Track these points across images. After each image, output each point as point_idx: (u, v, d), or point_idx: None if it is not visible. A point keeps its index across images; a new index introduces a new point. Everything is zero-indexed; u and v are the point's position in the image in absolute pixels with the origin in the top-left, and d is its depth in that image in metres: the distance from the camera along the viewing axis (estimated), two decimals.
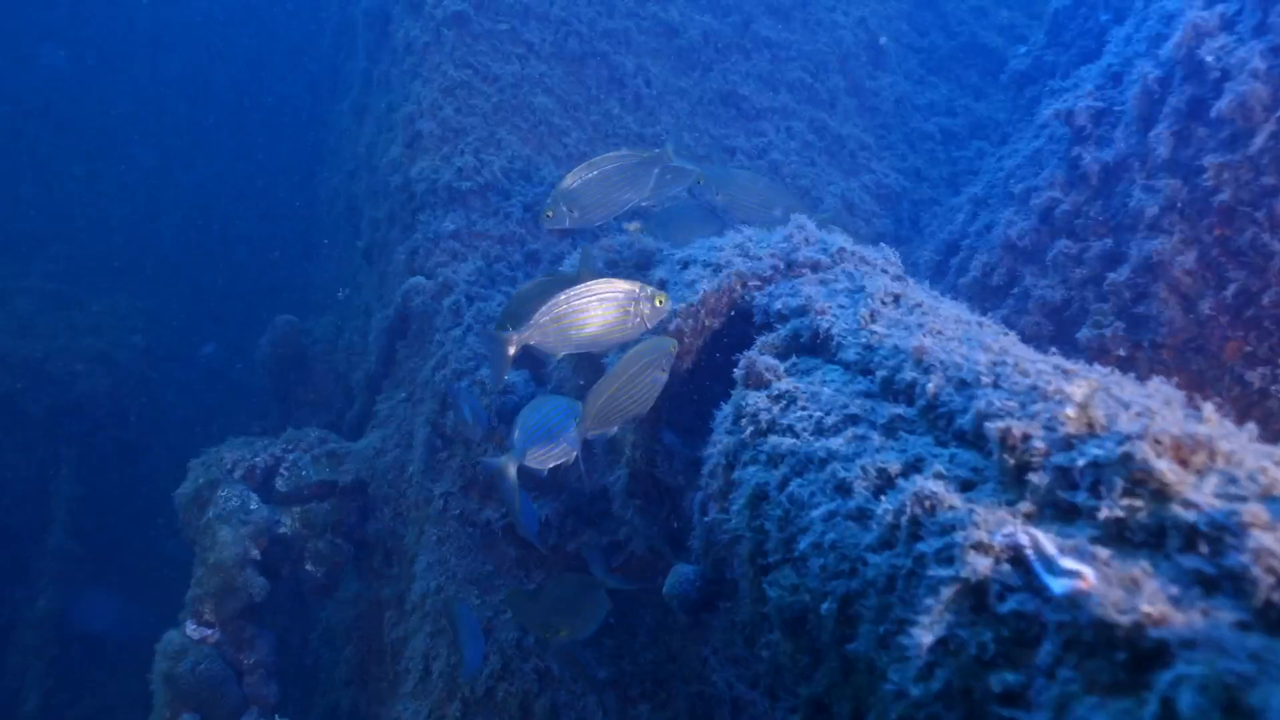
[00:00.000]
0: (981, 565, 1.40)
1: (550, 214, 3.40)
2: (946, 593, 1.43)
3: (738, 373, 2.44)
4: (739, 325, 2.84)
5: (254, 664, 4.53)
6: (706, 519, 2.41)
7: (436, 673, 3.85)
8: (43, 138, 16.03)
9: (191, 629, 4.47)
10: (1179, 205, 3.48)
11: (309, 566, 4.76)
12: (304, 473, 4.84)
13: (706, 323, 2.79)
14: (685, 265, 3.00)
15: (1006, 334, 2.23)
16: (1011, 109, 6.01)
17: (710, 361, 2.83)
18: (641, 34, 6.05)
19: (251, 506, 4.68)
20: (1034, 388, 1.67)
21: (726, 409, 2.49)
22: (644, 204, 3.57)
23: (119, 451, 10.70)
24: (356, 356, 6.89)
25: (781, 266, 2.79)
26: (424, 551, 4.22)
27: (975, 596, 1.40)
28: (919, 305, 2.43)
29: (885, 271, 2.71)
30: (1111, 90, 4.06)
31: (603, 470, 4.09)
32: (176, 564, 10.30)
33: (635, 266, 3.79)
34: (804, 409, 2.20)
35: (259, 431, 6.05)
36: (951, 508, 1.54)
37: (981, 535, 1.43)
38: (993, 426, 1.59)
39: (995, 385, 1.77)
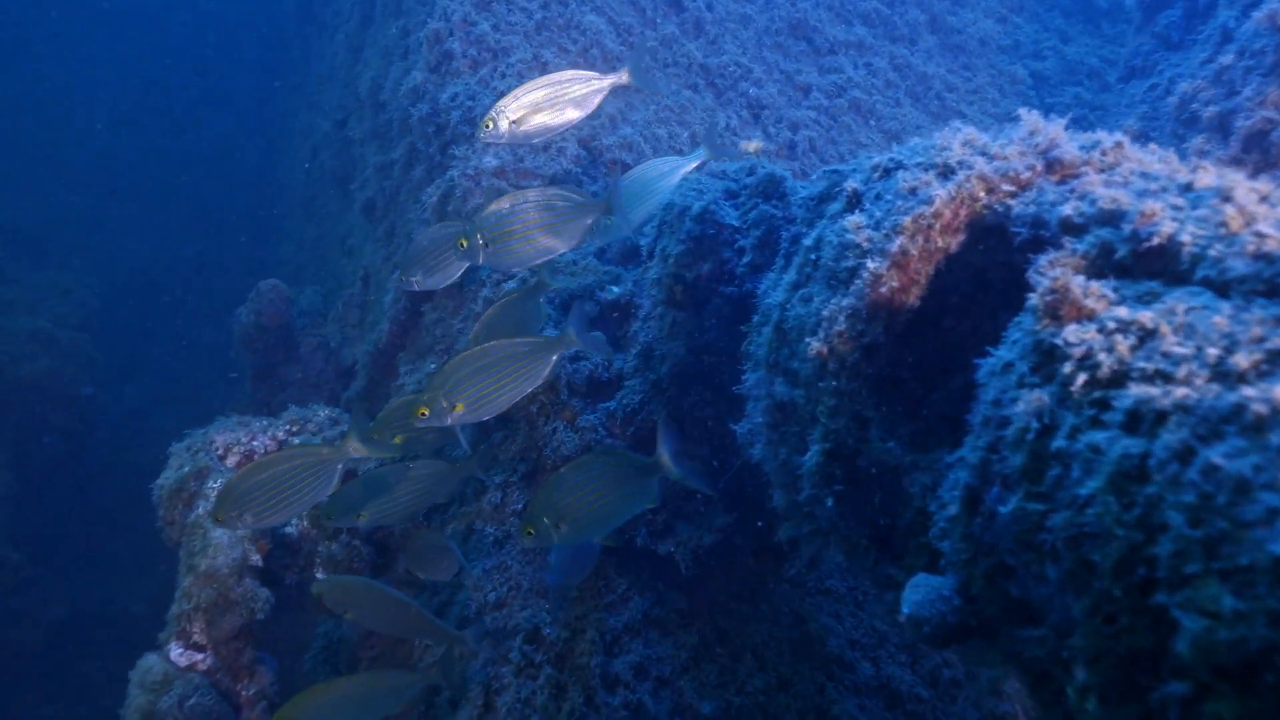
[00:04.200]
0: None
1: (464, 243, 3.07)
2: None
3: (1034, 302, 1.78)
4: (970, 251, 2.19)
5: (255, 695, 3.81)
6: (1005, 509, 1.75)
7: (504, 708, 3.16)
8: None
9: (177, 653, 3.74)
10: None
11: (320, 574, 4.06)
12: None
13: (941, 243, 2.13)
14: (889, 171, 2.34)
15: None
16: (1140, 38, 5.41)
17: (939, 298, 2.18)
18: None
19: None
20: None
21: (1004, 354, 1.84)
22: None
23: (62, 442, 9.85)
24: (353, 329, 6.17)
25: (1040, 167, 2.14)
26: (477, 555, 3.53)
27: None
28: None
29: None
30: None
31: (699, 446, 3.43)
32: (138, 574, 9.51)
33: (762, 196, 3.14)
34: (1179, 346, 1.56)
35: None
36: None
37: None
38: None
39: None
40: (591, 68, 4.77)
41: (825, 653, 3.67)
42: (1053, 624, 1.76)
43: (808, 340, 2.21)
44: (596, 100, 3.21)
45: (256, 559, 3.87)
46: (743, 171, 3.25)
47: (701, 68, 5.14)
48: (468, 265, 3.25)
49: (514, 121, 3.15)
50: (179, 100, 15.54)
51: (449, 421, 2.98)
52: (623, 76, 3.20)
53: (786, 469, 2.44)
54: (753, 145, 3.30)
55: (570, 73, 3.19)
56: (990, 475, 1.84)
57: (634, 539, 3.47)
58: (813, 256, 2.36)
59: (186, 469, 3.99)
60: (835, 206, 2.42)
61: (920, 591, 1.98)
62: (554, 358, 3.03)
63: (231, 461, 4.12)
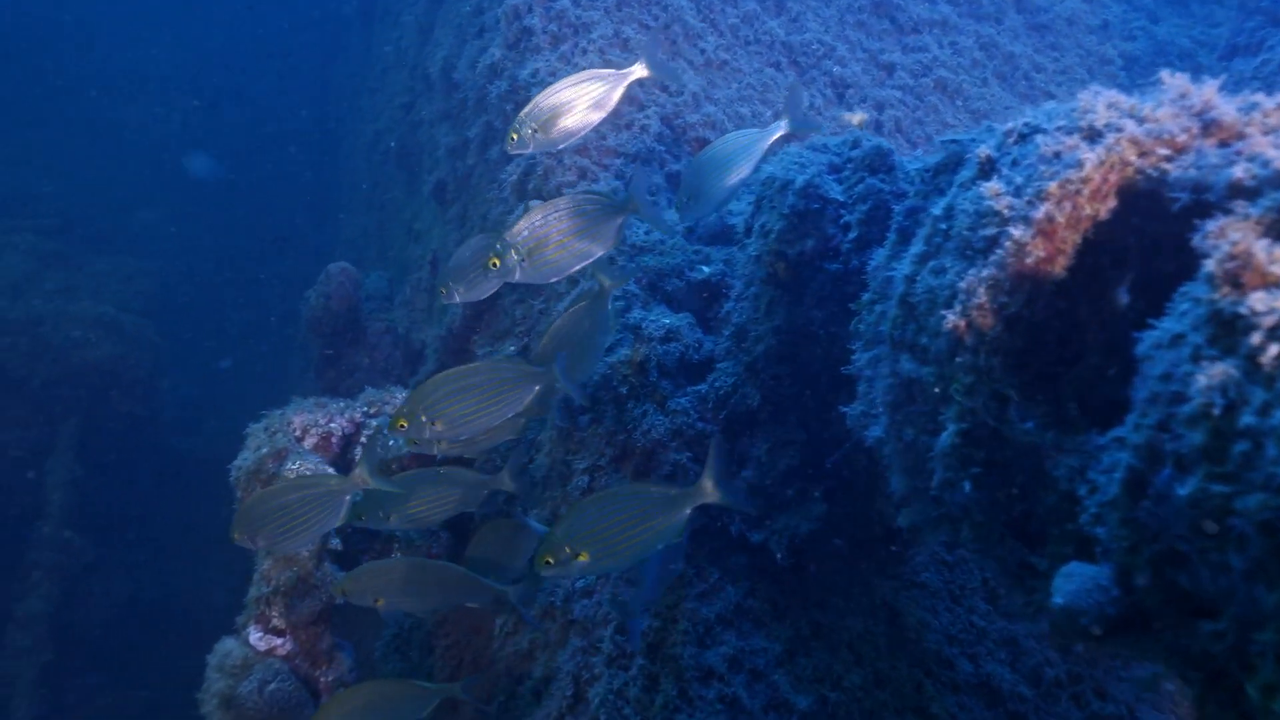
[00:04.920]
0: None
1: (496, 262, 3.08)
2: None
3: (1209, 269, 1.66)
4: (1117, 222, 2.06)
5: (332, 682, 3.77)
6: (1184, 491, 1.63)
7: (597, 700, 3.08)
8: (31, 86, 15.33)
9: (256, 637, 3.70)
10: None
11: (397, 557, 4.00)
12: (391, 441, 4.07)
13: (1089, 210, 2.00)
14: (1025, 136, 2.22)
15: None
16: (1243, 15, 5.22)
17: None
18: None
19: None
20: None
21: (1172, 325, 1.71)
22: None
23: (124, 428, 9.94)
24: (421, 314, 6.12)
25: (1196, 129, 2.01)
26: None
27: None
28: None
29: None
30: None
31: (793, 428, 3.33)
32: (198, 559, 9.58)
33: (868, 169, 3.02)
34: None
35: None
36: None
37: None
38: None
39: None
40: (673, 45, 4.68)
41: (922, 648, 3.55)
42: (1234, 616, 1.64)
43: (942, 314, 2.09)
44: (616, 97, 3.21)
45: (336, 543, 3.82)
46: (845, 145, 3.14)
47: (784, 45, 5.02)
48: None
49: (536, 130, 3.17)
50: (251, 91, 15.68)
51: (427, 435, 3.01)
52: (639, 70, 3.19)
53: (912, 451, 2.33)
54: (856, 117, 3.19)
55: (588, 73, 3.20)
56: (1159, 456, 1.72)
57: (728, 527, 3.38)
58: (943, 227, 2.24)
59: (265, 450, 3.95)
60: (965, 174, 2.30)
61: (1075, 581, 1.86)
62: (536, 388, 3.08)
63: (309, 443, 4.07)
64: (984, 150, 2.27)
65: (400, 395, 4.24)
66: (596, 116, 3.21)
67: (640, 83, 3.44)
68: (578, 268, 3.15)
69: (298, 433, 4.07)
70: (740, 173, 3.37)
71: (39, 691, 8.10)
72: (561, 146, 3.27)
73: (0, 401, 9.32)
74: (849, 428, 2.76)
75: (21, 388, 9.39)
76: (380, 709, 3.24)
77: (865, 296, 2.76)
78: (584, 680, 3.18)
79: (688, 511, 2.88)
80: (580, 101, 3.19)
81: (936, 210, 2.29)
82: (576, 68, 4.35)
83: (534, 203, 3.70)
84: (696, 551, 3.36)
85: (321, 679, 3.74)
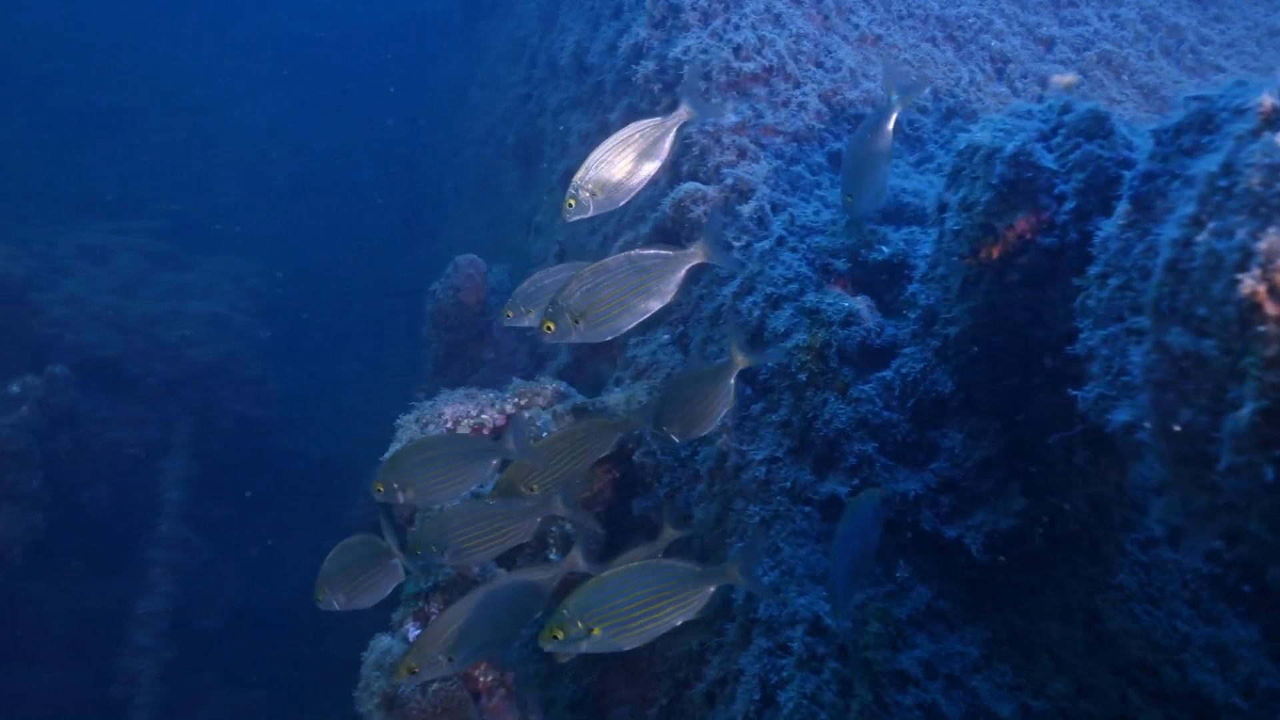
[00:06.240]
0: None
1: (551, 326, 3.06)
2: None
3: None
4: None
5: (492, 682, 3.65)
6: None
7: (790, 704, 2.91)
8: (134, 96, 15.70)
9: (415, 635, 3.61)
10: None
11: (552, 555, 3.88)
12: (545, 434, 3.96)
13: None
14: None
15: None
16: None
17: None
18: None
19: None
20: None
21: None
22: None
23: (235, 427, 10.05)
24: None
25: None
26: (742, 539, 3.30)
27: None
28: None
29: None
30: None
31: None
32: (306, 559, 9.61)
33: (1085, 135, 2.82)
34: None
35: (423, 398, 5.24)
36: None
37: None
38: None
39: None
40: (825, 19, 4.52)
41: (1124, 655, 3.32)
42: None
43: (1236, 278, 1.89)
44: (667, 144, 3.17)
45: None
46: (1054, 110, 2.93)
47: (939, 20, 4.81)
48: None
49: (593, 193, 3.16)
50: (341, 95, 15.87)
51: (400, 500, 3.19)
52: (683, 114, 3.15)
53: (1186, 435, 2.12)
54: (1066, 79, 2.97)
55: (632, 127, 3.16)
56: None
57: (919, 522, 3.19)
58: (1223, 184, 2.04)
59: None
60: (1241, 126, 2.09)
61: None
62: (494, 462, 3.18)
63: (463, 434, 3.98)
64: (1268, 100, 2.05)
65: (550, 386, 4.13)
66: (652, 166, 3.18)
67: (692, 124, 3.39)
68: (636, 324, 3.10)
69: (449, 424, 3.98)
70: (874, 162, 3.33)
71: (160, 689, 8.18)
72: (622, 203, 3.23)
73: (117, 400, 9.47)
74: (1079, 412, 2.56)
75: (137, 386, 9.54)
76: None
77: (1093, 270, 2.56)
78: (772, 683, 3.01)
79: (712, 589, 2.78)
80: (632, 156, 3.16)
81: (1211, 168, 2.08)
82: (730, 44, 4.20)
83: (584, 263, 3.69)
84: (884, 548, 3.18)
85: (480, 678, 3.63)
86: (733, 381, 3.01)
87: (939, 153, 4.20)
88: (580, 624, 2.75)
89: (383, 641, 3.68)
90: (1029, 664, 3.19)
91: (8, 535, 7.84)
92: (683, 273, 3.03)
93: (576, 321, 3.02)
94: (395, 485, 3.19)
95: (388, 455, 3.50)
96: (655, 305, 3.05)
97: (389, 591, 3.39)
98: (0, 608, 7.91)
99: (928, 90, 4.43)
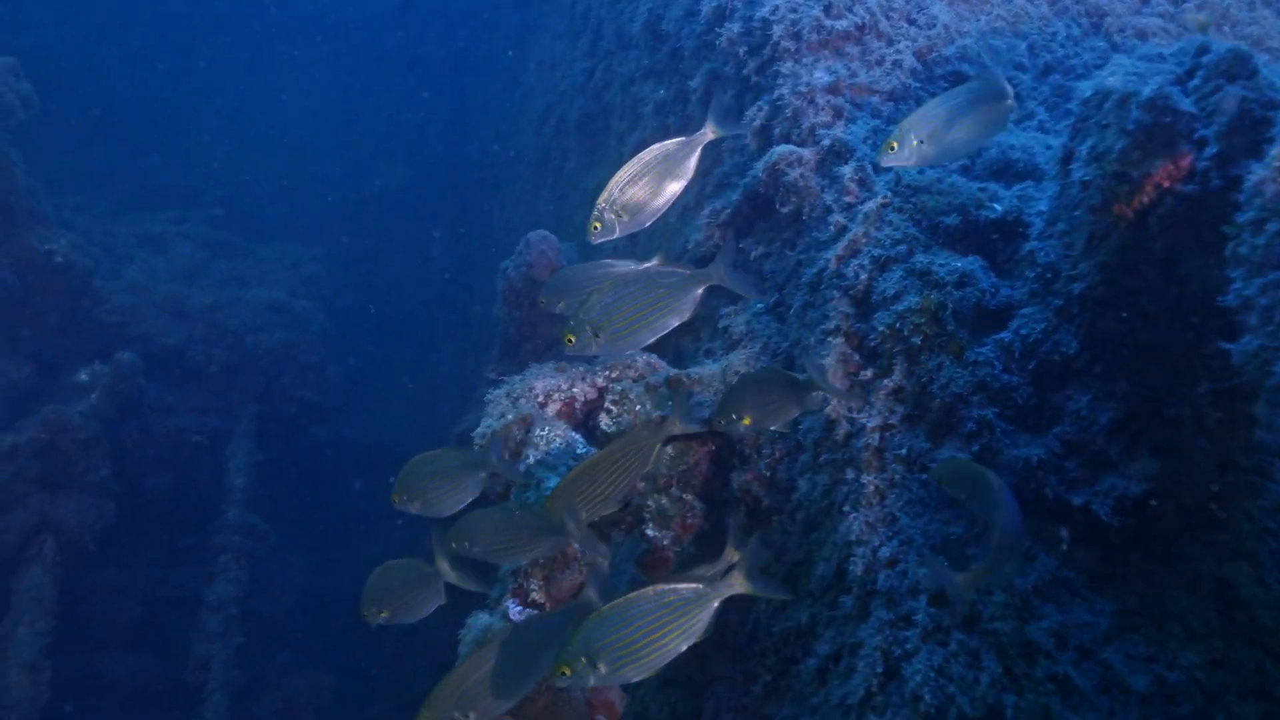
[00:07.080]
0: None
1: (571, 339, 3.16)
2: None
3: None
4: None
5: None
6: None
7: (917, 677, 2.81)
8: (189, 86, 15.81)
9: (515, 611, 3.55)
10: None
11: (650, 530, 3.80)
12: (638, 408, 3.88)
13: None
14: None
15: None
16: None
17: None
18: None
19: (579, 450, 3.76)
20: None
21: None
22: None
23: (297, 413, 10.08)
24: None
25: None
26: (856, 509, 3.19)
27: None
28: None
29: None
30: None
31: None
32: (366, 544, 9.65)
33: (1226, 76, 2.69)
34: None
35: (493, 378, 5.18)
36: None
37: None
38: None
39: None
40: None
41: (1257, 625, 3.19)
42: None
43: None
44: (691, 162, 3.23)
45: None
46: (1189, 52, 2.80)
47: None
48: None
49: (618, 215, 3.22)
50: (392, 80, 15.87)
51: (413, 511, 3.45)
52: (708, 133, 3.21)
53: None
54: (1201, 19, 2.84)
55: (656, 148, 3.22)
56: None
57: (1041, 489, 3.08)
58: None
59: (510, 416, 3.80)
60: None
61: None
62: (482, 475, 3.44)
63: (552, 410, 3.92)
64: None
65: (641, 359, 4.04)
66: (677, 186, 3.24)
67: (717, 141, 3.38)
68: (654, 339, 3.17)
69: (540, 399, 3.92)
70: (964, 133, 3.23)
71: (232, 673, 8.21)
72: (649, 224, 3.29)
73: (180, 387, 9.53)
74: (1235, 365, 2.43)
75: (201, 373, 9.59)
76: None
77: (1243, 217, 2.43)
78: (895, 656, 2.92)
79: (715, 605, 2.80)
80: (653, 176, 3.20)
81: None
82: (820, 1, 4.08)
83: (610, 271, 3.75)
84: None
85: None
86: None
87: (1039, 110, 4.07)
88: (584, 659, 2.76)
89: (481, 619, 3.63)
90: (1161, 635, 3.07)
91: (81, 523, 7.90)
92: (699, 291, 3.10)
93: (597, 335, 3.09)
94: (406, 498, 3.46)
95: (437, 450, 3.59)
96: (674, 322, 3.14)
97: (431, 611, 3.61)
98: (75, 595, 7.98)
99: (1024, 46, 4.29)
